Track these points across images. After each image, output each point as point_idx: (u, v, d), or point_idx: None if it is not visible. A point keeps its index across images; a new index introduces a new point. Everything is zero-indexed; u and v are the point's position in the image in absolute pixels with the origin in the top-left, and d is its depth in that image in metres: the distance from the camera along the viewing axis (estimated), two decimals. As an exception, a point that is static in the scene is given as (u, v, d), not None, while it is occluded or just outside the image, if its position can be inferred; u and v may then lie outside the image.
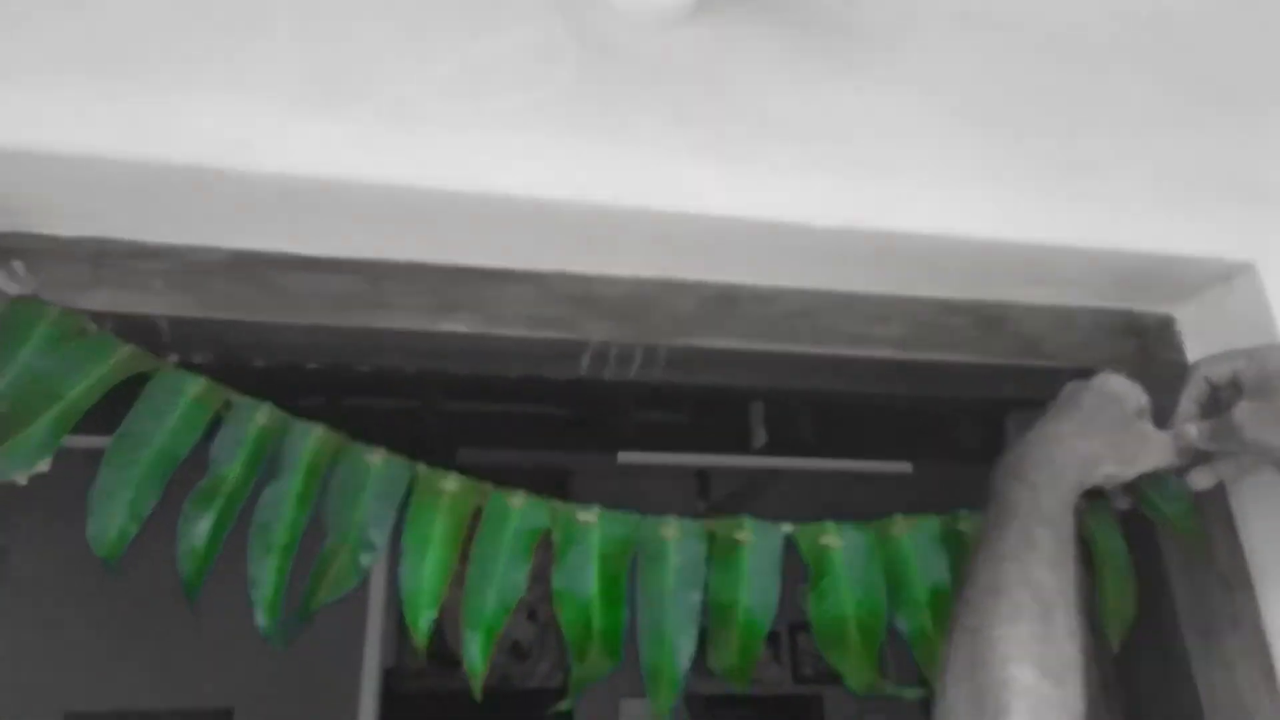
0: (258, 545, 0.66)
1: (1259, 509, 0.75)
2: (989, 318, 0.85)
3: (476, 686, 0.66)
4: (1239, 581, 0.78)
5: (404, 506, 0.70)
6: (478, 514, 0.71)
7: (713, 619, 0.70)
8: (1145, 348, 0.87)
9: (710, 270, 0.79)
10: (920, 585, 0.73)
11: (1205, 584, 0.78)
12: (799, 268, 0.80)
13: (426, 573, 0.67)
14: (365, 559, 0.68)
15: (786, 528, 0.73)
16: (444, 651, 4.19)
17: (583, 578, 0.69)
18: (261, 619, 0.65)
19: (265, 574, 0.66)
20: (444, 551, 0.68)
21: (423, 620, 0.67)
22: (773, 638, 4.51)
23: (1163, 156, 0.83)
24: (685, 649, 0.69)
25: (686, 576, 0.70)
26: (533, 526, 0.70)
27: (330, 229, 0.71)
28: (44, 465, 0.68)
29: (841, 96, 0.78)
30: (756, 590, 0.71)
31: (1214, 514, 0.81)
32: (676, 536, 0.71)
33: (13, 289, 0.68)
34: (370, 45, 0.70)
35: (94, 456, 0.65)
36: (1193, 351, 0.87)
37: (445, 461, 0.73)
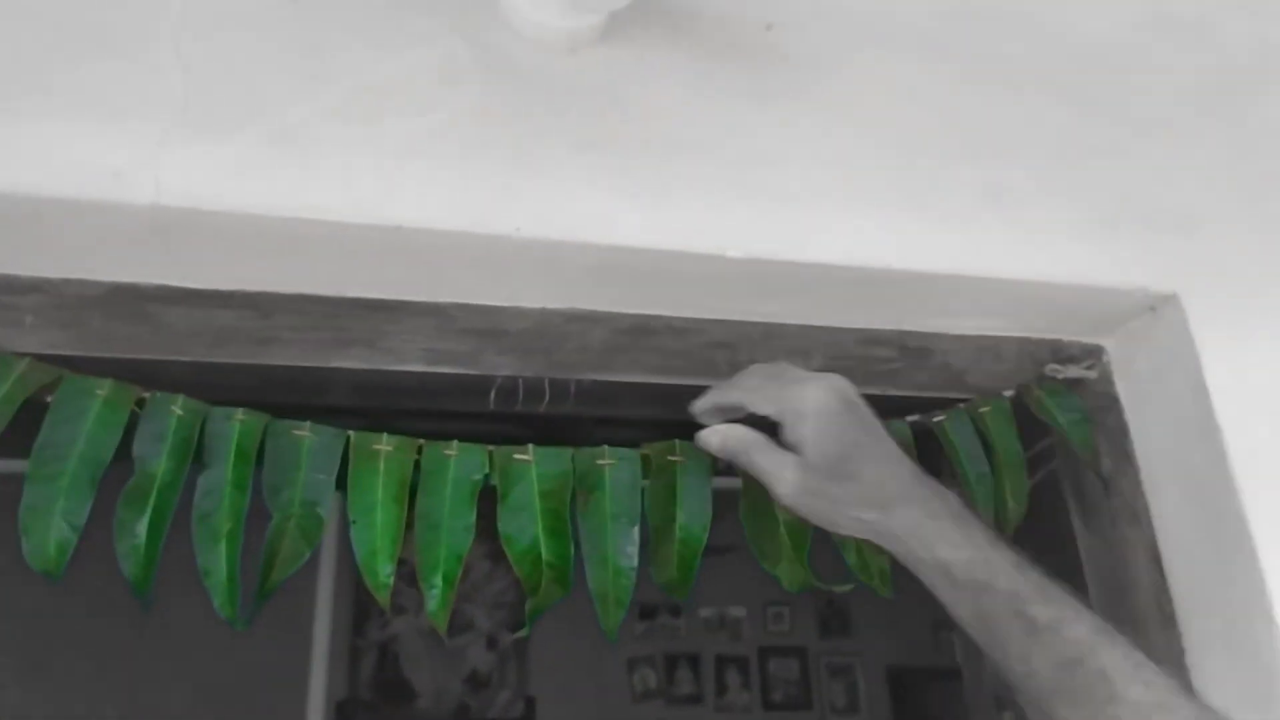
0: (203, 535, 0.65)
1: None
2: (913, 349, 0.83)
3: (442, 627, 0.67)
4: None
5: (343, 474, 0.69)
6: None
7: (652, 537, 0.73)
8: (1073, 378, 0.85)
9: (623, 302, 0.76)
10: None
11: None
12: (716, 299, 0.77)
13: (378, 532, 0.67)
14: (313, 532, 0.68)
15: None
16: (399, 681, 4.13)
17: (527, 514, 0.70)
18: (220, 605, 0.64)
19: (216, 562, 0.64)
20: (392, 509, 0.68)
21: (383, 577, 0.66)
22: (742, 664, 4.47)
23: (1086, 186, 0.81)
24: (628, 570, 0.71)
25: (624, 500, 0.72)
26: (472, 474, 0.70)
27: (215, 261, 0.68)
28: None
29: (756, 123, 0.76)
30: (691, 507, 0.74)
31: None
32: (612, 463, 0.73)
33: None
34: (255, 67, 0.66)
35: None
36: (1122, 381, 0.86)
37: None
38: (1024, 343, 0.85)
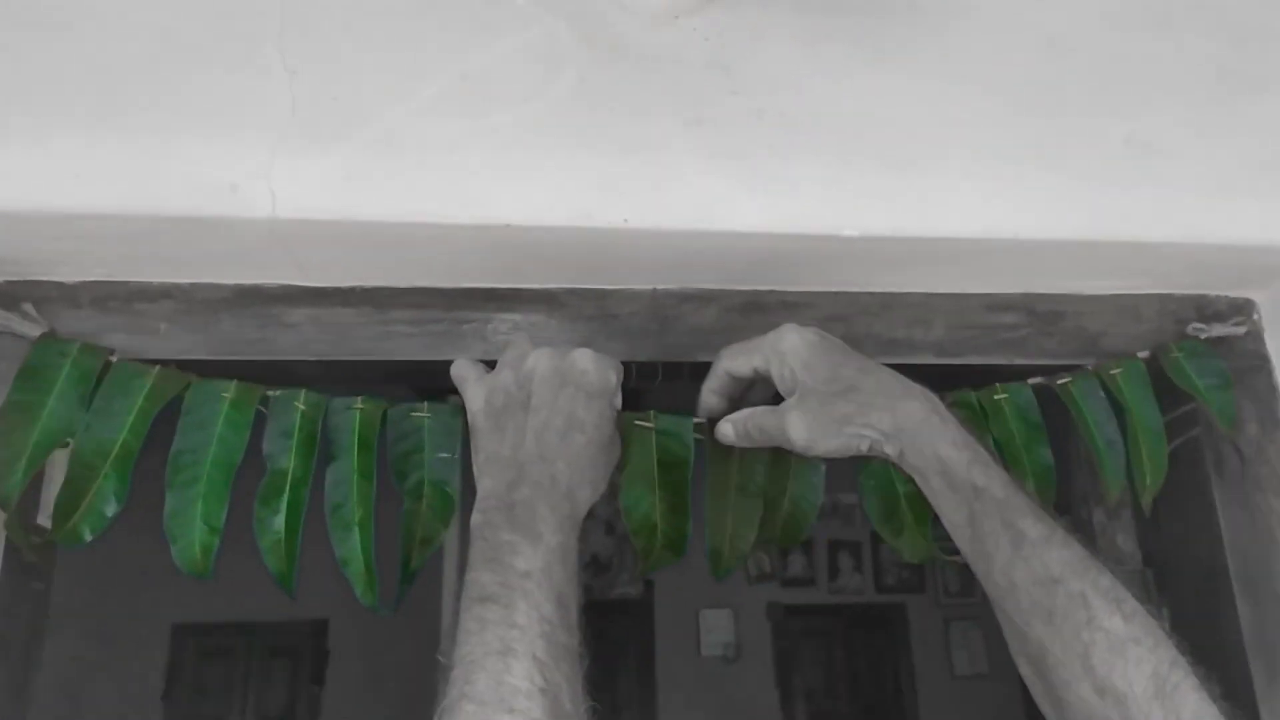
0: (337, 526, 0.67)
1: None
2: (1043, 313, 0.78)
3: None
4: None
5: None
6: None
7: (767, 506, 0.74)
8: (1219, 336, 0.79)
9: (734, 280, 0.74)
10: None
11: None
12: (830, 274, 0.74)
13: None
14: (445, 511, 0.69)
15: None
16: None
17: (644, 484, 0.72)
18: (361, 594, 0.67)
19: (352, 551, 0.67)
20: None
21: None
22: (854, 548, 4.53)
23: (1240, 129, 0.74)
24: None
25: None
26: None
27: (331, 261, 0.69)
28: None
29: (873, 84, 0.71)
30: (803, 479, 0.75)
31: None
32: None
33: (31, 330, 0.67)
34: (356, 66, 0.65)
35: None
36: (1274, 339, 0.80)
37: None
38: (1165, 300, 0.79)
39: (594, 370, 0.64)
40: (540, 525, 0.56)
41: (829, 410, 0.64)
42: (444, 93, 0.66)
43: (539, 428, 0.61)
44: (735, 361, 0.68)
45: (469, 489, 0.69)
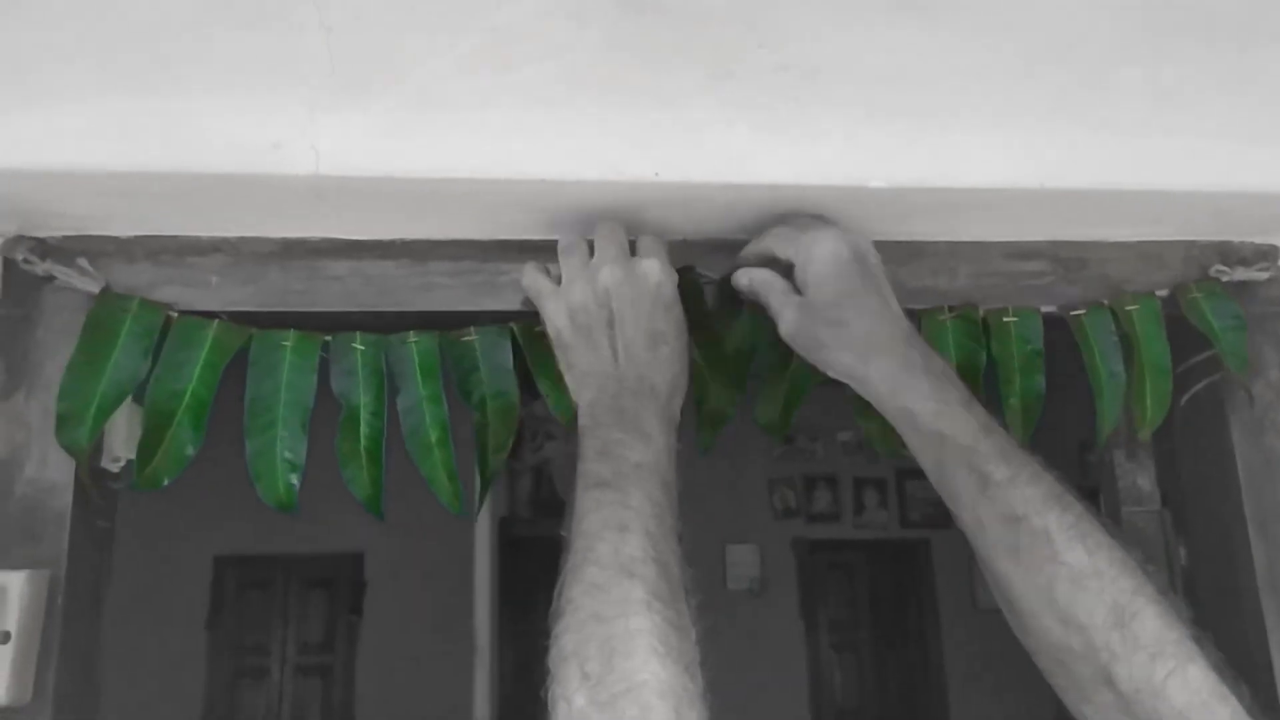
0: (417, 450, 0.72)
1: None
2: (1067, 259, 0.79)
3: None
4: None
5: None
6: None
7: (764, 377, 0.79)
8: (1241, 280, 0.80)
9: (761, 228, 0.76)
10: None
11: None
12: (857, 221, 0.76)
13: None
14: (510, 416, 0.73)
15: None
16: (552, 499, 4.42)
17: None
18: (448, 503, 0.72)
19: (435, 469, 0.72)
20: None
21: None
22: (880, 484, 4.58)
23: (1263, 79, 0.73)
24: None
25: None
26: None
27: (371, 215, 0.71)
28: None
29: (897, 35, 0.71)
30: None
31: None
32: None
33: (88, 285, 0.71)
34: (392, 25, 0.66)
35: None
36: (1297, 284, 0.80)
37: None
38: (1190, 246, 0.80)
39: (665, 280, 0.68)
40: (648, 428, 0.63)
41: (814, 330, 0.68)
42: (476, 48, 0.67)
43: (627, 343, 0.66)
44: (776, 242, 0.71)
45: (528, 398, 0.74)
